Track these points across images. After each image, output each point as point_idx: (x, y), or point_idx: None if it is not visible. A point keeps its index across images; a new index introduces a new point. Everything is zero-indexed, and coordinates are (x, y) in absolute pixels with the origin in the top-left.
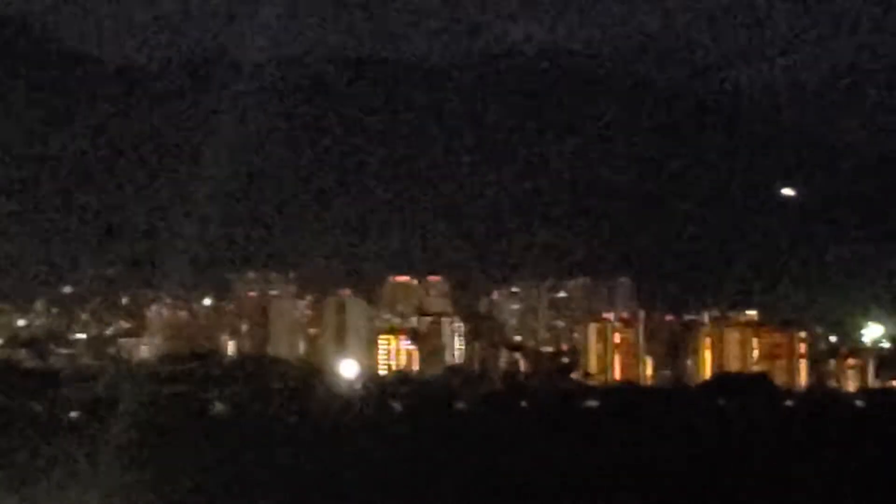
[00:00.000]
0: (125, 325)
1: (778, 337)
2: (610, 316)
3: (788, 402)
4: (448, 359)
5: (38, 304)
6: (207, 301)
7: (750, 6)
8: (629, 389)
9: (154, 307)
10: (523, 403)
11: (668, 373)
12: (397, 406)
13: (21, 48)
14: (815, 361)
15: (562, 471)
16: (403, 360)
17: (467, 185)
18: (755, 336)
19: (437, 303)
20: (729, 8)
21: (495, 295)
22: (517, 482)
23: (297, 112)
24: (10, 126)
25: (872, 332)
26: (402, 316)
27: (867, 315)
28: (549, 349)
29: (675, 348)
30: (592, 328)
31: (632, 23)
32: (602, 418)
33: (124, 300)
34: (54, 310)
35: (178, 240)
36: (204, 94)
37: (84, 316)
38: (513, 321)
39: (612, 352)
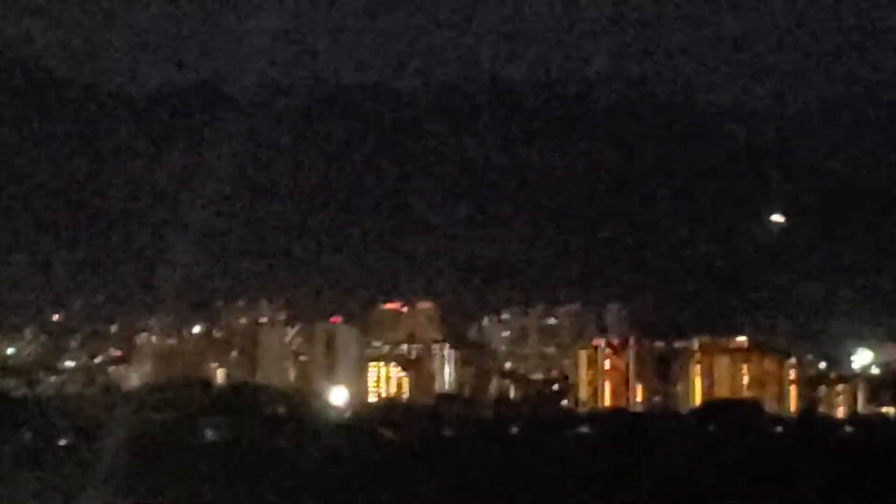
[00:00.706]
0: (114, 352)
1: (768, 363)
2: (600, 342)
3: (778, 429)
4: (438, 386)
5: (28, 332)
6: (197, 329)
7: (745, 33)
8: (620, 416)
9: (143, 335)
10: (514, 430)
11: (658, 399)
12: (387, 433)
13: (9, 76)
14: (805, 388)
15: (553, 498)
16: (394, 388)
17: (456, 212)
18: (745, 362)
19: (427, 329)
20: (722, 38)
21: (485, 321)
22: None
23: (287, 140)
24: None
25: (862, 359)
26: (393, 343)
27: (857, 341)
28: (540, 376)
29: (665, 374)
30: (583, 354)
31: (622, 51)
32: (593, 445)
33: (113, 328)
34: (44, 337)
35: (167, 268)
36: (193, 123)
37: (73, 344)
38: (503, 348)
39: (603, 378)
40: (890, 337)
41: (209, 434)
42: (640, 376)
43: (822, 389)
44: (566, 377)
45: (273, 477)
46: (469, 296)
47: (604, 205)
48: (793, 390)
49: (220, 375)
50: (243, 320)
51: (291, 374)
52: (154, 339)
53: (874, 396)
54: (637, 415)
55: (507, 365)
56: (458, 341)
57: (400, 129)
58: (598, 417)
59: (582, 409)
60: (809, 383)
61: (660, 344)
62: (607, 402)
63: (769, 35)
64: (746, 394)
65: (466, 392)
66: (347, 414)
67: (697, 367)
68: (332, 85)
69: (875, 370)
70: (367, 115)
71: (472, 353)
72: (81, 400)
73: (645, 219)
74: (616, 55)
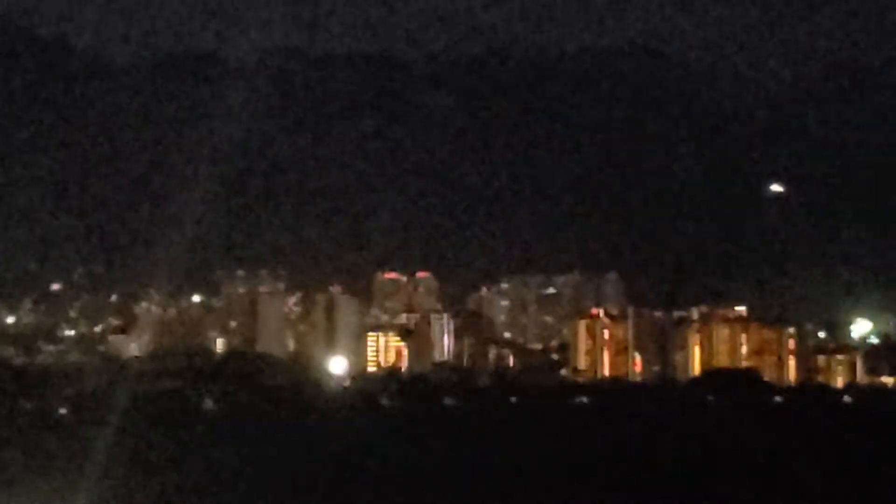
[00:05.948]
0: (114, 322)
1: (767, 333)
2: (599, 312)
3: (777, 398)
4: (437, 355)
5: (27, 302)
6: (196, 298)
7: (743, 6)
8: (618, 385)
9: (143, 304)
10: (513, 399)
11: (657, 368)
12: (387, 402)
13: (9, 47)
14: (804, 357)
15: (552, 466)
16: (393, 357)
17: (457, 183)
18: (744, 332)
19: (426, 299)
20: (721, 9)
21: (484, 291)
22: (507, 477)
23: (287, 110)
24: None
25: (861, 329)
26: (392, 313)
27: (856, 311)
28: (539, 345)
29: (664, 344)
30: (581, 324)
31: (622, 25)
32: (592, 414)
33: (113, 297)
34: (43, 307)
35: (167, 238)
36: (193, 93)
37: (73, 313)
38: (502, 317)
39: (602, 348)
40: (889, 307)
41: (208, 403)
42: (639, 346)
43: (822, 359)
44: (565, 347)
45: (272, 445)
46: (468, 266)
47: (603, 175)
48: (792, 360)
49: (219, 345)
50: (243, 290)
51: (291, 344)
52: (154, 308)
53: (873, 366)
54: (636, 384)
55: (506, 335)
56: (456, 311)
57: (401, 98)
58: (596, 387)
59: (581, 379)
60: (808, 353)
61: (659, 313)
62: (606, 371)
63: (773, 2)
64: (746, 363)
65: (465, 361)
66: (347, 383)
67: (697, 337)
68: (332, 55)
69: (874, 340)
70: (365, 85)
71: (471, 323)
72: (81, 369)
73: (644, 189)
74: (622, 31)
